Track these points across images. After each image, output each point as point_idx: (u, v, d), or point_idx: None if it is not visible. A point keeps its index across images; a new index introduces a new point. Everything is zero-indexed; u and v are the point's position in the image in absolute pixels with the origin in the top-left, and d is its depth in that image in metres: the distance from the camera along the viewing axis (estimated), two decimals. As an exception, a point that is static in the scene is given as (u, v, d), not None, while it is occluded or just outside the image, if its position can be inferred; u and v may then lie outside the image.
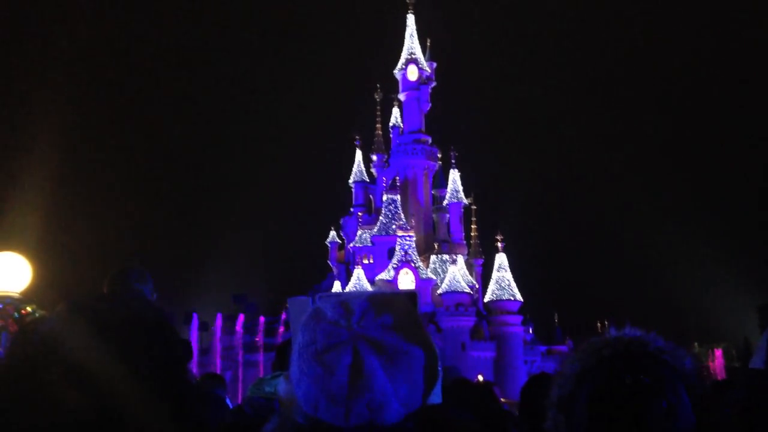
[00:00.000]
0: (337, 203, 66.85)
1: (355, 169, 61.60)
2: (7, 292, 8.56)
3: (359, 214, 58.00)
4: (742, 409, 2.20)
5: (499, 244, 53.10)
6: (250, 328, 54.88)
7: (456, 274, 51.16)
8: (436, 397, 1.36)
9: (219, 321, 51.99)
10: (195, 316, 49.89)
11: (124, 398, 1.15)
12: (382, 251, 52.91)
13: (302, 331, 1.29)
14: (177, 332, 1.35)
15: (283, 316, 53.59)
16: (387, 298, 1.32)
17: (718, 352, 53.26)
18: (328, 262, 60.99)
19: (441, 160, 59.24)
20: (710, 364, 49.44)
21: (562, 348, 53.50)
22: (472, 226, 58.04)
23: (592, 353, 1.40)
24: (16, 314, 8.53)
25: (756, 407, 2.06)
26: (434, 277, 52.24)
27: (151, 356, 1.25)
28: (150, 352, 1.25)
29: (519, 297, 52.42)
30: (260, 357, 49.39)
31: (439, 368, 1.34)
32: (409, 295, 1.41)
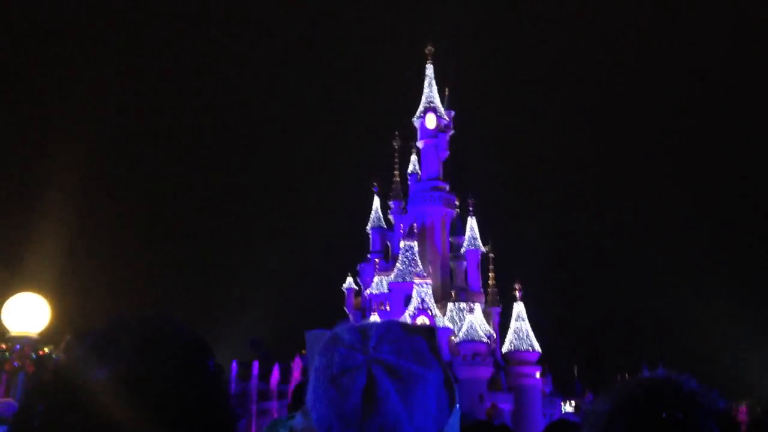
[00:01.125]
0: (354, 250, 66.99)
1: (372, 215, 61.85)
2: (26, 332, 8.59)
3: (376, 260, 57.97)
4: None
5: (518, 293, 52.66)
6: (264, 374, 54.48)
7: (473, 322, 50.64)
8: None
9: (234, 367, 51.79)
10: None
11: None
12: (399, 298, 52.61)
13: (319, 355, 1.29)
14: (213, 354, 1.23)
15: (297, 362, 53.29)
16: (404, 326, 1.34)
17: (743, 409, 51.92)
18: (345, 308, 60.73)
19: (459, 207, 59.36)
20: (735, 420, 48.05)
21: (582, 401, 52.44)
22: (490, 274, 57.69)
23: (626, 392, 1.38)
24: (33, 355, 8.54)
25: None
26: (451, 326, 51.73)
27: (185, 381, 1.14)
28: (186, 376, 1.15)
29: (537, 348, 51.67)
30: (274, 404, 48.89)
31: (457, 400, 1.33)
32: (428, 328, 1.42)
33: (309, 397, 1.28)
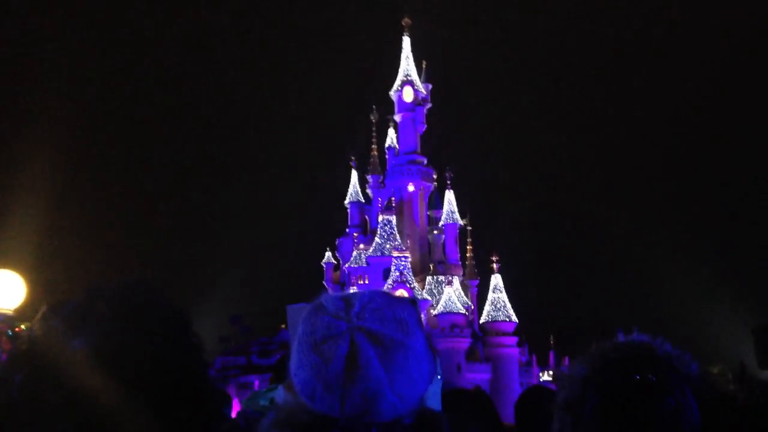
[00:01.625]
0: (332, 224, 66.86)
1: (350, 189, 61.73)
2: (2, 309, 8.52)
3: (355, 234, 58.01)
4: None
5: (495, 265, 53.17)
6: (244, 349, 54.60)
7: (451, 295, 51.10)
8: (435, 403, 1.37)
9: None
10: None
11: (129, 414, 1.07)
12: (378, 272, 52.85)
13: (303, 322, 1.32)
14: (190, 323, 1.23)
15: (277, 336, 53.46)
16: (388, 295, 1.36)
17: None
18: (324, 282, 60.85)
19: (436, 181, 59.48)
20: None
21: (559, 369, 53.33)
22: (468, 247, 58.11)
23: (600, 356, 1.41)
24: (9, 332, 8.48)
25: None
26: (429, 298, 52.15)
27: (164, 349, 1.14)
28: (164, 345, 1.15)
29: (514, 318, 52.36)
30: (255, 378, 49.10)
31: (439, 370, 1.35)
32: (410, 299, 1.44)
33: (292, 364, 1.30)
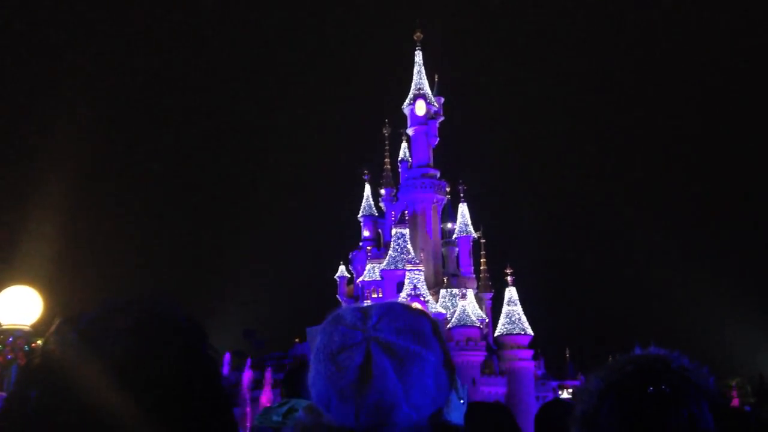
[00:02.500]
0: (346, 238, 66.98)
1: (364, 203, 61.80)
2: (18, 325, 8.58)
3: (368, 248, 58.00)
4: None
5: (509, 278, 52.86)
6: (258, 363, 54.55)
7: (466, 308, 50.83)
8: (458, 417, 1.36)
9: (227, 357, 51.99)
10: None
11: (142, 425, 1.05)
12: (392, 285, 52.70)
13: (321, 333, 1.33)
14: (206, 336, 1.19)
15: (291, 350, 53.40)
16: (406, 307, 1.37)
17: (733, 389, 52.37)
18: (337, 296, 60.81)
19: (450, 194, 59.45)
20: (724, 399, 48.44)
21: (574, 383, 52.83)
22: (482, 260, 57.90)
23: (617, 370, 1.41)
24: (26, 347, 8.53)
25: None
26: (444, 312, 51.89)
27: (181, 363, 1.11)
28: (182, 358, 1.11)
29: (530, 331, 51.94)
30: (267, 393, 49.02)
31: (459, 385, 1.35)
32: (425, 312, 1.44)
33: (310, 375, 1.32)
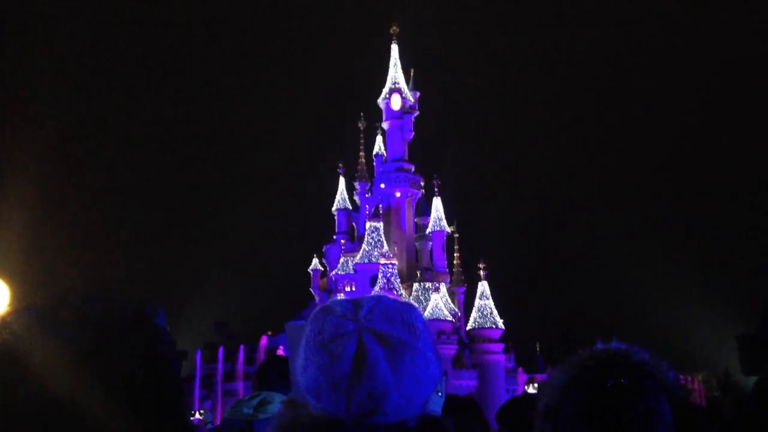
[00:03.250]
0: (319, 231, 66.70)
1: (338, 197, 61.67)
2: (-16, 316, 8.45)
3: (342, 241, 57.92)
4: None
5: (482, 272, 53.24)
6: (230, 356, 54.23)
7: (438, 302, 51.07)
8: (437, 406, 1.39)
9: (199, 352, 51.66)
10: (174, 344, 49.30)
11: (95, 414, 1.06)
12: (365, 279, 52.74)
13: (311, 323, 1.34)
14: (163, 331, 1.27)
15: (263, 343, 53.16)
16: (394, 299, 1.39)
17: (697, 383, 53.36)
18: (311, 289, 60.68)
19: (424, 188, 59.53)
20: (689, 393, 49.32)
21: (544, 376, 53.38)
22: (455, 254, 58.18)
23: (578, 364, 1.44)
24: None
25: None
26: (416, 305, 51.97)
27: (129, 358, 1.13)
28: (127, 353, 1.13)
29: (501, 325, 52.41)
30: (240, 385, 48.82)
31: (443, 377, 1.37)
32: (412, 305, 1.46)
33: (299, 364, 1.32)
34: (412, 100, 59.77)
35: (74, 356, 1.09)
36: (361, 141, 61.97)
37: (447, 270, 57.30)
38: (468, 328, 53.06)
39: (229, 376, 51.48)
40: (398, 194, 57.72)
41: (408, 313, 1.34)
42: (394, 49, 60.97)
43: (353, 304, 1.35)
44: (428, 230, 58.18)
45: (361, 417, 1.23)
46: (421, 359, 1.29)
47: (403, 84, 59.64)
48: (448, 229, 57.95)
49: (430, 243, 58.02)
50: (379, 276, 50.92)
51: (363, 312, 1.31)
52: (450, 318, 51.11)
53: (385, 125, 59.77)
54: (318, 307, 1.38)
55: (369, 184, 60.41)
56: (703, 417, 1.49)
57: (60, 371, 1.07)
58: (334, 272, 56.44)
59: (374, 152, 61.55)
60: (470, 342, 52.58)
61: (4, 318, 1.15)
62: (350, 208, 61.31)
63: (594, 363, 1.42)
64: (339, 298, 1.42)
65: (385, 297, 1.37)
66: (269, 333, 55.41)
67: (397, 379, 1.25)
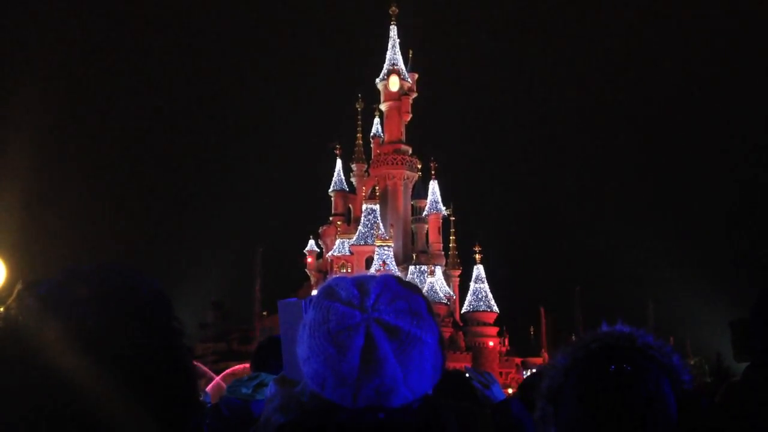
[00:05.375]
0: (316, 212, 66.72)
1: (335, 178, 61.56)
2: (-20, 292, 8.43)
3: (338, 223, 57.92)
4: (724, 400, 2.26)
5: (477, 256, 53.39)
6: (224, 335, 54.49)
7: (434, 284, 51.25)
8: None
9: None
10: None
11: (102, 397, 1.02)
12: (361, 260, 52.84)
13: (314, 308, 1.30)
14: (171, 307, 1.18)
15: (257, 323, 53.37)
16: (400, 281, 1.35)
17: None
18: (306, 270, 60.77)
19: (421, 170, 59.50)
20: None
21: (537, 360, 53.79)
22: (451, 237, 58.26)
23: (582, 347, 1.43)
24: (-12, 315, 8.39)
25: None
26: (420, 287, 52.12)
27: (143, 332, 1.09)
28: (143, 328, 1.09)
29: (495, 308, 52.66)
30: (235, 364, 49.05)
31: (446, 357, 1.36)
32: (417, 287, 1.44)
33: (302, 349, 1.29)
34: (410, 82, 59.49)
35: (87, 331, 1.05)
36: (359, 122, 61.81)
37: (443, 253, 57.43)
38: (463, 311, 53.30)
39: (223, 356, 51.69)
40: (395, 176, 57.64)
41: (415, 301, 1.31)
42: (393, 30, 60.58)
43: (358, 288, 1.30)
44: (424, 213, 58.21)
45: (367, 410, 1.22)
46: (429, 352, 1.27)
47: (401, 65, 59.34)
48: (445, 212, 57.99)
49: (427, 225, 58.09)
50: (375, 258, 51.00)
51: (370, 301, 1.28)
52: (445, 301, 51.34)
53: (383, 107, 59.54)
54: (320, 290, 1.34)
55: (366, 166, 60.31)
56: (706, 402, 1.48)
57: (70, 347, 1.03)
58: (330, 253, 56.50)
59: (372, 134, 61.36)
60: (465, 325, 52.84)
61: (19, 292, 1.10)
62: (347, 189, 61.23)
63: (596, 345, 1.42)
64: (343, 278, 1.34)
65: (390, 279, 1.34)
66: (264, 313, 55.59)
67: (405, 374, 1.23)
